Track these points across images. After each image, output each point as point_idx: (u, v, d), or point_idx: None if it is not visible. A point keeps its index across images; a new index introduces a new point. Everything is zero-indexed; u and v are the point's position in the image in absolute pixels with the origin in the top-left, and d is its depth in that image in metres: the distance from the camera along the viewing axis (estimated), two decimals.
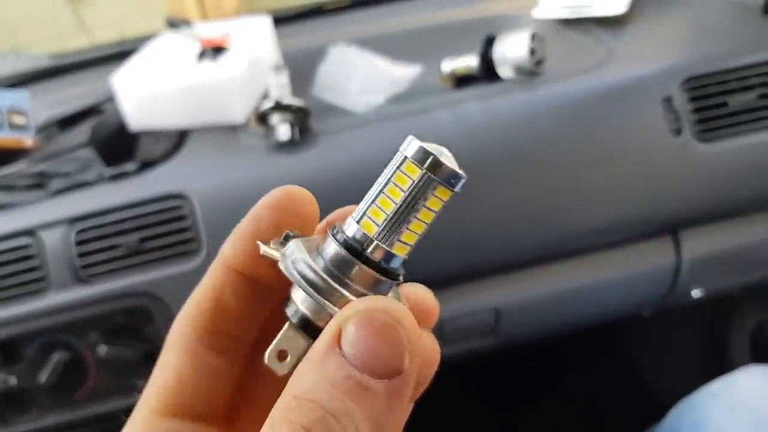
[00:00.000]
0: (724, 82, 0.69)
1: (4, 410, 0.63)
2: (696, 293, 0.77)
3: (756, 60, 0.70)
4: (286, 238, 0.21)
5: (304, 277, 0.20)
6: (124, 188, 0.66)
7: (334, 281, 0.19)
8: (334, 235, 0.20)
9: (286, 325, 0.21)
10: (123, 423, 0.22)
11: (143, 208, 0.63)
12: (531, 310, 0.72)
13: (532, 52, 0.71)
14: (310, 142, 0.68)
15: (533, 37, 0.71)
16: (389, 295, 0.21)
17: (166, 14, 0.92)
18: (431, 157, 0.19)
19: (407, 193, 0.19)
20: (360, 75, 0.80)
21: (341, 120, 0.73)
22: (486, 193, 0.66)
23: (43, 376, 0.61)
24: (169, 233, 0.63)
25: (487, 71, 0.74)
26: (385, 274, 0.20)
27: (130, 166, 0.68)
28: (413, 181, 0.19)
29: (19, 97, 0.78)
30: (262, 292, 0.23)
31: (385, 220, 0.20)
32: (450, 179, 0.19)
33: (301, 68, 0.83)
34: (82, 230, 0.63)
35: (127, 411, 0.22)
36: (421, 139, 0.20)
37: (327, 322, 0.19)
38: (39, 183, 0.70)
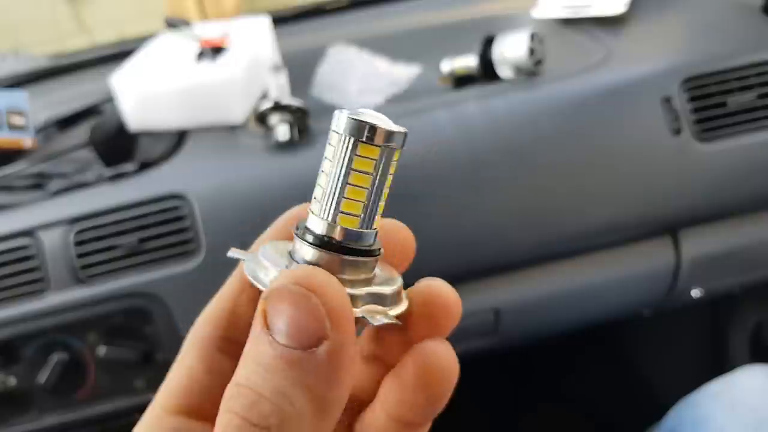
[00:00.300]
0: (724, 82, 0.69)
1: (4, 410, 0.64)
2: (696, 293, 0.77)
3: (755, 60, 0.70)
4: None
5: (251, 272, 0.20)
6: (123, 189, 0.66)
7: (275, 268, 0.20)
8: (295, 232, 0.21)
9: None
10: (136, 421, 0.22)
11: (142, 208, 0.64)
12: (531, 310, 0.72)
13: (532, 52, 0.71)
14: (309, 143, 0.68)
15: (532, 37, 0.71)
16: (379, 272, 0.21)
17: (166, 14, 0.92)
18: (344, 118, 0.19)
19: (333, 161, 0.20)
20: (359, 75, 0.80)
21: None
22: (485, 193, 0.66)
23: (43, 377, 0.61)
24: (168, 233, 0.63)
25: (487, 71, 0.74)
26: (352, 253, 0.20)
27: (129, 167, 0.68)
28: (334, 148, 0.20)
29: (19, 97, 0.78)
30: None
31: (323, 196, 0.20)
32: (366, 133, 0.19)
33: (300, 68, 0.83)
34: (82, 231, 0.63)
35: (140, 410, 0.22)
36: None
37: None
38: (38, 183, 0.70)
